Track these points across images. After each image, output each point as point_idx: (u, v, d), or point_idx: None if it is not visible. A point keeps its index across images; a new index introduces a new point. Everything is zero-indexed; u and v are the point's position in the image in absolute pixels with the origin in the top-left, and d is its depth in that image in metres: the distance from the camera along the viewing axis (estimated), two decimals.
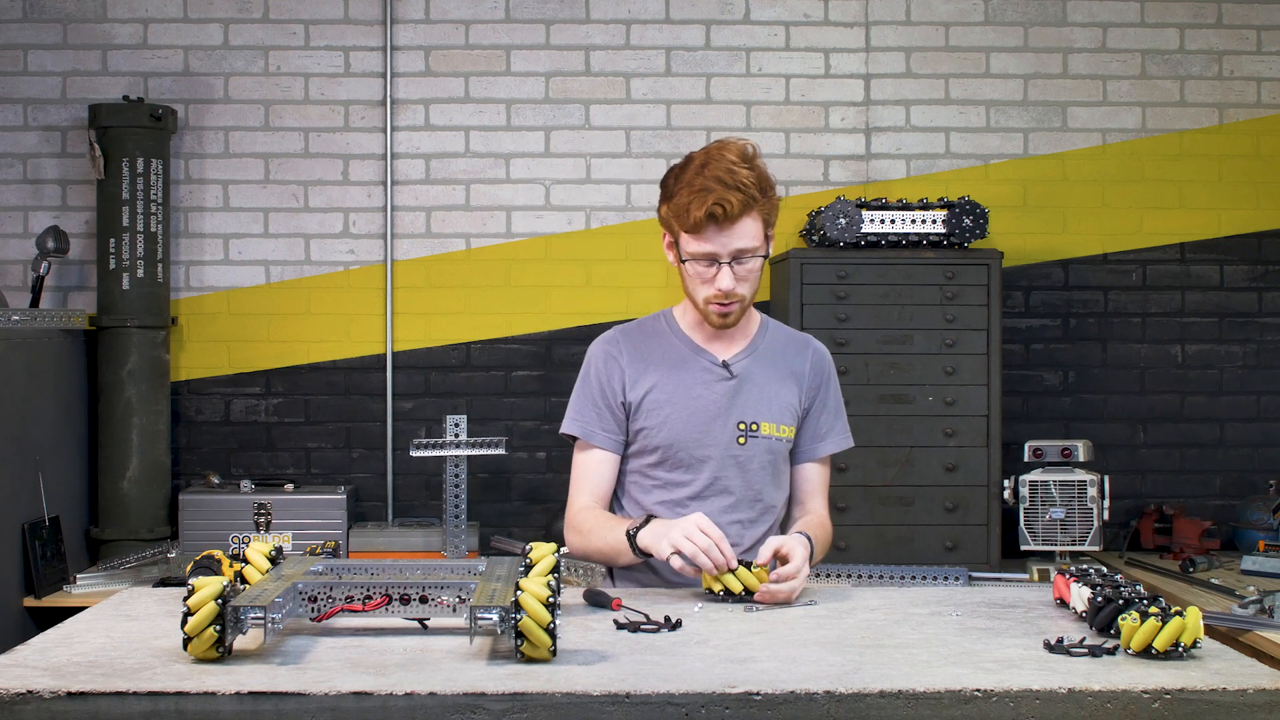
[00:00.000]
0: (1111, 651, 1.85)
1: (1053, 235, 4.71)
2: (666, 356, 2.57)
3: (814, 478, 2.64)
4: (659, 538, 2.29)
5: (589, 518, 2.51)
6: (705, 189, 2.37)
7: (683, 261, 2.47)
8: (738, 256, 2.42)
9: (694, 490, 2.53)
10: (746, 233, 2.41)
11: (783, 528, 2.63)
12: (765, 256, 2.46)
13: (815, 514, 2.60)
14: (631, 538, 2.35)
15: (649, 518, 2.39)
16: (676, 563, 2.23)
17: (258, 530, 4.25)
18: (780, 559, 2.27)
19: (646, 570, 2.53)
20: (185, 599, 1.75)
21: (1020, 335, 4.69)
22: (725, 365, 2.55)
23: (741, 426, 2.53)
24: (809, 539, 2.35)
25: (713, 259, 2.42)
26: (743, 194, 2.37)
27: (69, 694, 1.62)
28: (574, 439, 2.59)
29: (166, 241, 4.48)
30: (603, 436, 2.55)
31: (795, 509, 2.65)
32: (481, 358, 4.70)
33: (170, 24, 4.64)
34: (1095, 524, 4.02)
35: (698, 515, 2.28)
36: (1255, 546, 4.05)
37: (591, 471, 2.56)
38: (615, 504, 2.63)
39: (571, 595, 2.22)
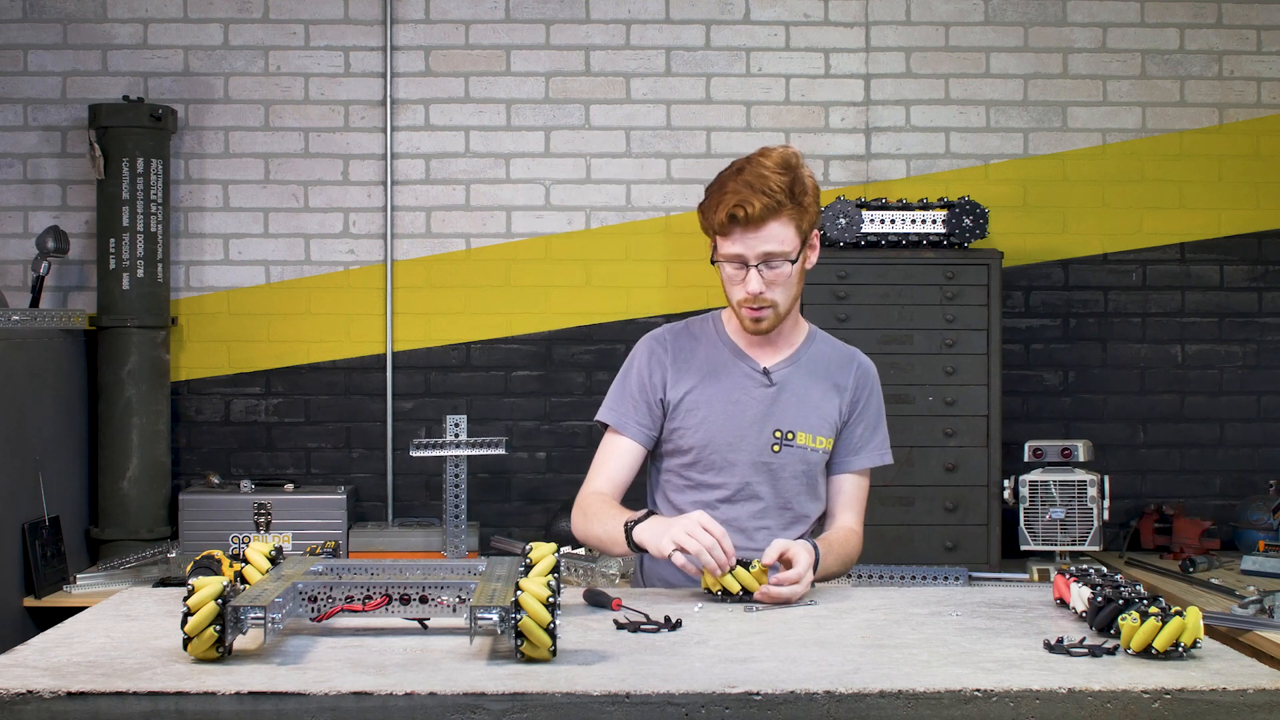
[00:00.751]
0: (1111, 651, 1.85)
1: (1053, 235, 4.71)
2: (709, 359, 2.59)
3: (847, 490, 2.64)
4: (658, 535, 2.29)
5: (595, 503, 2.52)
6: (734, 191, 2.40)
7: (715, 263, 2.50)
8: (766, 260, 2.43)
9: (724, 494, 2.54)
10: (774, 237, 2.42)
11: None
12: (794, 262, 2.45)
13: (841, 528, 2.61)
14: (628, 531, 2.36)
15: (649, 513, 2.40)
16: (679, 559, 2.23)
17: (258, 530, 4.25)
18: (784, 563, 2.27)
19: (671, 568, 2.54)
20: (185, 599, 1.75)
21: (1020, 335, 4.69)
22: (766, 373, 2.56)
23: (777, 435, 2.54)
24: (815, 546, 2.36)
25: (741, 261, 2.44)
26: (768, 198, 2.39)
27: (69, 694, 1.62)
28: (606, 426, 2.61)
29: (166, 241, 4.48)
30: (635, 428, 2.57)
31: (827, 521, 2.65)
32: (481, 358, 4.70)
33: (170, 24, 4.65)
34: (1095, 524, 4.02)
35: (699, 513, 2.28)
36: (1255, 546, 4.05)
37: (614, 458, 2.58)
38: (650, 503, 2.65)
39: (571, 595, 2.22)
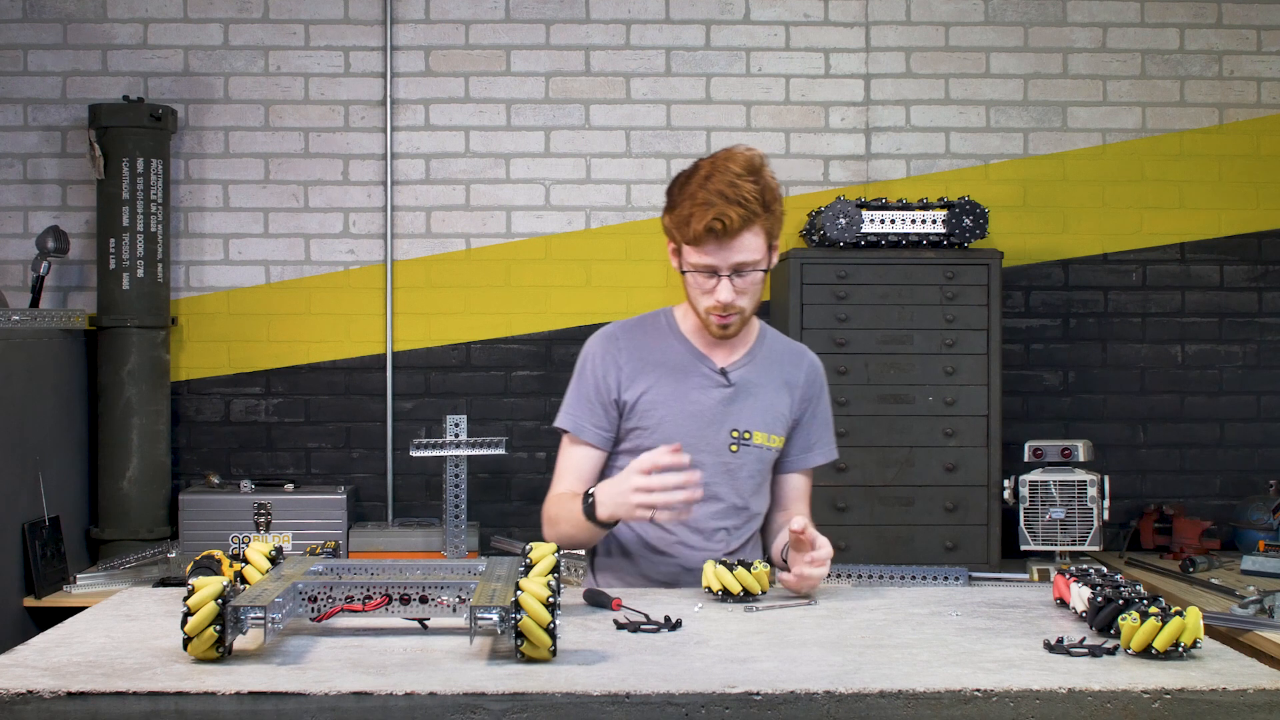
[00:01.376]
0: (1111, 651, 1.85)
1: (1053, 235, 4.71)
2: (666, 359, 2.57)
3: (800, 486, 2.66)
4: (618, 506, 2.30)
5: (555, 505, 2.52)
6: (707, 203, 2.36)
7: (684, 272, 2.47)
8: (738, 270, 2.42)
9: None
10: (747, 247, 2.40)
11: (763, 534, 2.66)
12: (766, 270, 2.45)
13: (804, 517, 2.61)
14: (591, 515, 2.36)
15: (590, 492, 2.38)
16: (664, 516, 2.26)
17: (258, 530, 4.25)
18: (805, 542, 2.29)
19: (621, 556, 2.52)
20: (185, 599, 1.75)
21: (1020, 335, 4.69)
22: (724, 373, 2.56)
23: (735, 434, 2.54)
24: None
25: (713, 271, 2.42)
26: (744, 209, 2.36)
27: (69, 694, 1.62)
28: (565, 432, 2.60)
29: (166, 241, 4.48)
30: (592, 432, 2.56)
31: (779, 514, 2.65)
32: (481, 358, 4.70)
33: (170, 24, 4.65)
34: (1095, 524, 4.02)
35: (637, 462, 2.27)
36: (1255, 546, 4.05)
37: (575, 464, 2.57)
38: None
39: (571, 595, 2.22)
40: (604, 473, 2.60)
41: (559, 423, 2.59)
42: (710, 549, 2.45)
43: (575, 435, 2.57)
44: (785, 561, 2.42)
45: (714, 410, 2.53)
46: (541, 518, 2.58)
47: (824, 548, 2.28)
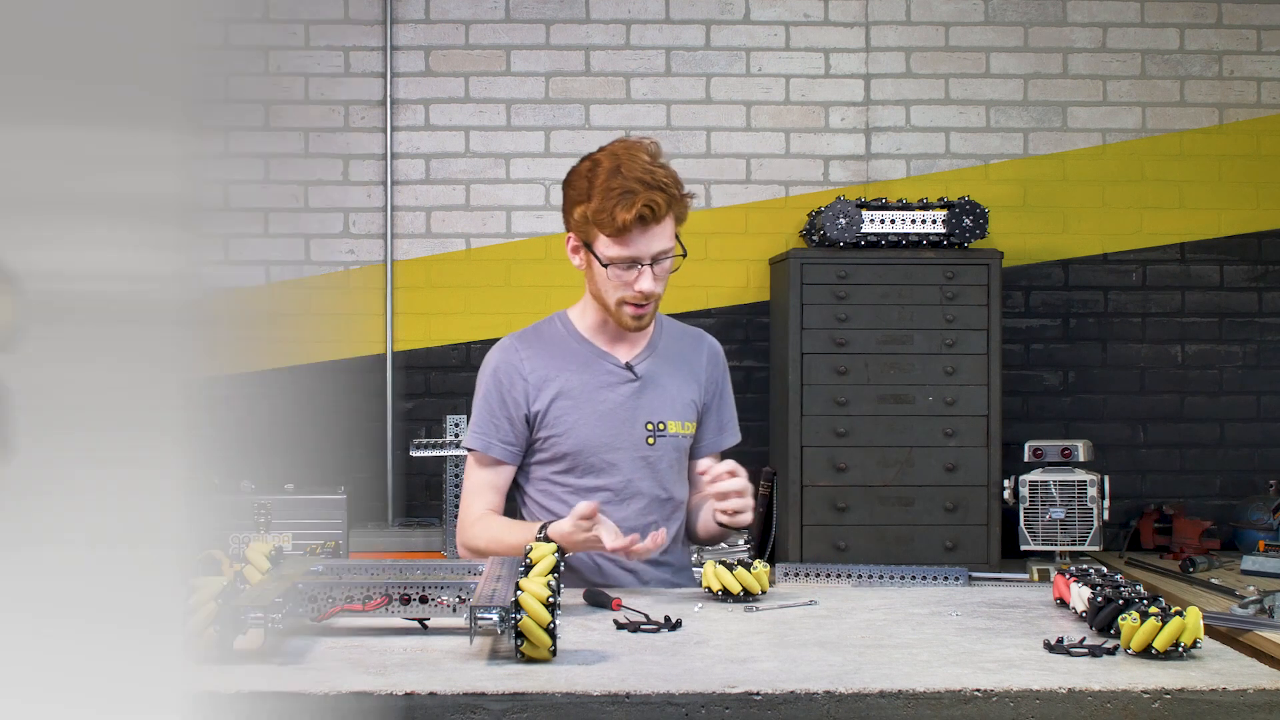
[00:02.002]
0: (1111, 651, 1.85)
1: (1053, 235, 4.71)
2: (569, 362, 2.55)
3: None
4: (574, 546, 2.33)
5: (483, 533, 2.49)
6: (629, 191, 2.34)
7: (605, 266, 2.42)
8: (657, 258, 2.41)
9: (608, 496, 2.49)
10: (666, 233, 2.41)
11: (687, 517, 2.67)
12: (683, 256, 2.45)
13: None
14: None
15: (544, 527, 2.37)
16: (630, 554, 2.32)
17: (258, 530, 4.25)
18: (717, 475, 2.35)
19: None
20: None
21: (1020, 335, 4.69)
22: (629, 367, 2.55)
23: (650, 427, 2.53)
24: None
25: (634, 262, 2.40)
26: (665, 193, 2.37)
27: None
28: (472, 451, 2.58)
29: None
30: (500, 449, 2.53)
31: (693, 495, 2.66)
32: (481, 358, 4.68)
33: None
34: (1095, 524, 4.02)
35: (569, 526, 2.27)
36: (1255, 546, 4.05)
37: (489, 482, 2.55)
38: (519, 516, 2.63)
39: (571, 595, 2.22)
40: (516, 483, 2.59)
41: (467, 443, 2.57)
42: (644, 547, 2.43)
43: (483, 453, 2.54)
44: (719, 524, 2.46)
45: (625, 406, 2.52)
46: (458, 542, 2.55)
47: (725, 464, 2.34)
